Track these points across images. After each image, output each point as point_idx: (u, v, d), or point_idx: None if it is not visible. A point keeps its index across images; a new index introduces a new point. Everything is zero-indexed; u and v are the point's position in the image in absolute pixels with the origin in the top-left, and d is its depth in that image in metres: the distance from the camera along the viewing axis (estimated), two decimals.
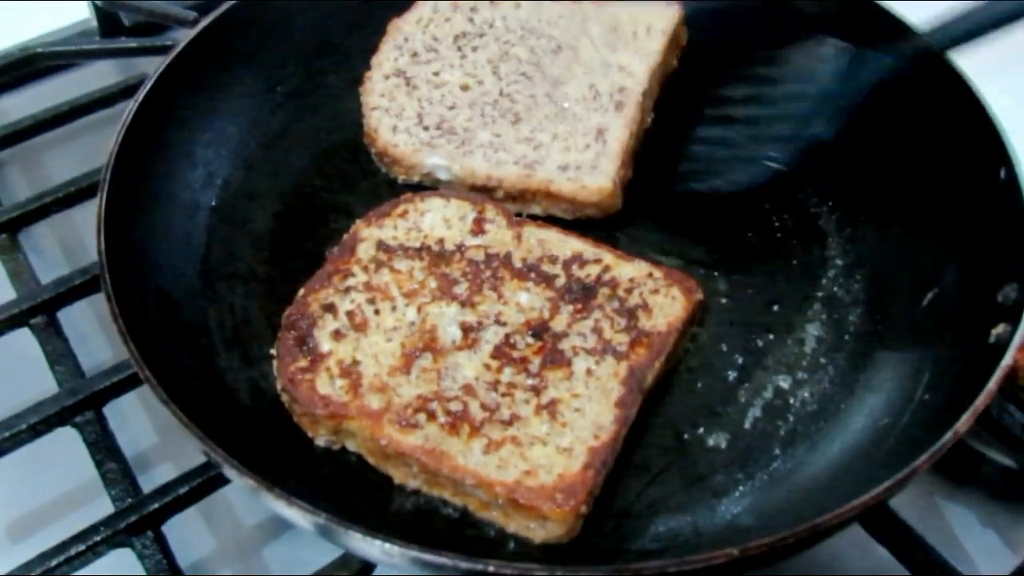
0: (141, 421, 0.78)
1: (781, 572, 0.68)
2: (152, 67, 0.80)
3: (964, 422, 0.57)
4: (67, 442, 0.73)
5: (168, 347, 0.68)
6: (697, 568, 0.50)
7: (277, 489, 0.54)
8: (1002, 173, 0.71)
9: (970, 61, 0.78)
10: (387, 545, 0.51)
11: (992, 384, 0.59)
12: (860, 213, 0.82)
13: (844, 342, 0.75)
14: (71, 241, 0.90)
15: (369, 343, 0.70)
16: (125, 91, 0.97)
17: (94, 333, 0.82)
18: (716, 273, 0.79)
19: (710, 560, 0.50)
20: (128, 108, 0.76)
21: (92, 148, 0.89)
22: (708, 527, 0.64)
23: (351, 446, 0.68)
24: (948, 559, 0.67)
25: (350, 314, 0.72)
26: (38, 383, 0.75)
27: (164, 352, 0.67)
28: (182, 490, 0.68)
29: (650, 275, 0.75)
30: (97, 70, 1.05)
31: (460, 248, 0.77)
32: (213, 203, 0.82)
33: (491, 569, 0.49)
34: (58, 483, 0.75)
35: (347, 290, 0.73)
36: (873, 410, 0.69)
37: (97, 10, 1.03)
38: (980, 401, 0.58)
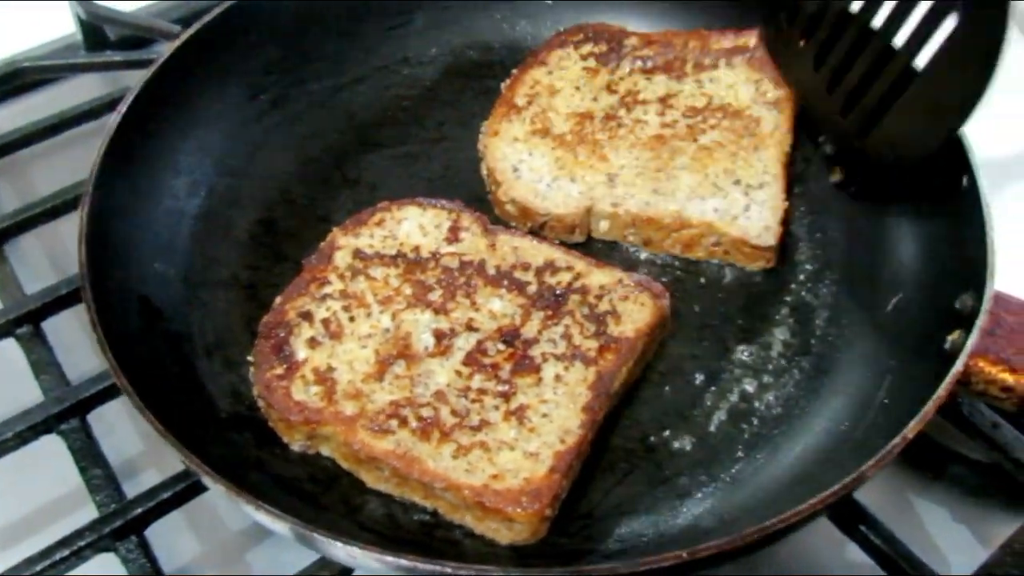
0: (127, 428, 0.80)
1: (757, 573, 0.70)
2: (137, 80, 0.82)
3: (912, 428, 0.58)
4: (53, 450, 0.75)
5: (149, 354, 0.70)
6: (647, 570, 0.52)
7: (247, 494, 0.56)
8: (964, 181, 0.72)
9: None
10: (349, 548, 0.54)
11: (942, 391, 0.60)
12: (830, 218, 0.83)
13: (810, 346, 0.76)
14: (57, 252, 0.92)
15: (344, 350, 0.72)
16: (110, 104, 0.99)
17: (80, 342, 0.83)
18: (687, 278, 0.81)
19: (659, 563, 0.52)
20: (111, 120, 0.78)
21: (78, 160, 0.91)
22: (670, 529, 0.66)
23: (325, 451, 0.70)
24: (917, 553, 0.68)
25: (326, 322, 0.74)
26: (24, 392, 0.77)
27: (145, 359, 0.69)
28: (165, 495, 0.70)
29: (620, 282, 0.76)
30: (83, 83, 1.07)
31: (435, 255, 0.78)
32: (197, 211, 0.84)
33: (448, 570, 0.51)
34: (44, 491, 0.77)
35: (323, 298, 0.75)
36: (835, 414, 0.71)
37: (82, 24, 1.05)
38: (929, 407, 0.59)
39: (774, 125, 0.84)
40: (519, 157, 0.84)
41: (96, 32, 1.06)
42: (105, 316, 0.67)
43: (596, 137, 0.85)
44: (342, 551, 0.55)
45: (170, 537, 0.74)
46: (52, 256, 0.93)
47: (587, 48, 0.92)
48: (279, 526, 0.56)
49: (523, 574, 0.53)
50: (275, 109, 0.92)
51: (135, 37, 1.05)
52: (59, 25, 1.08)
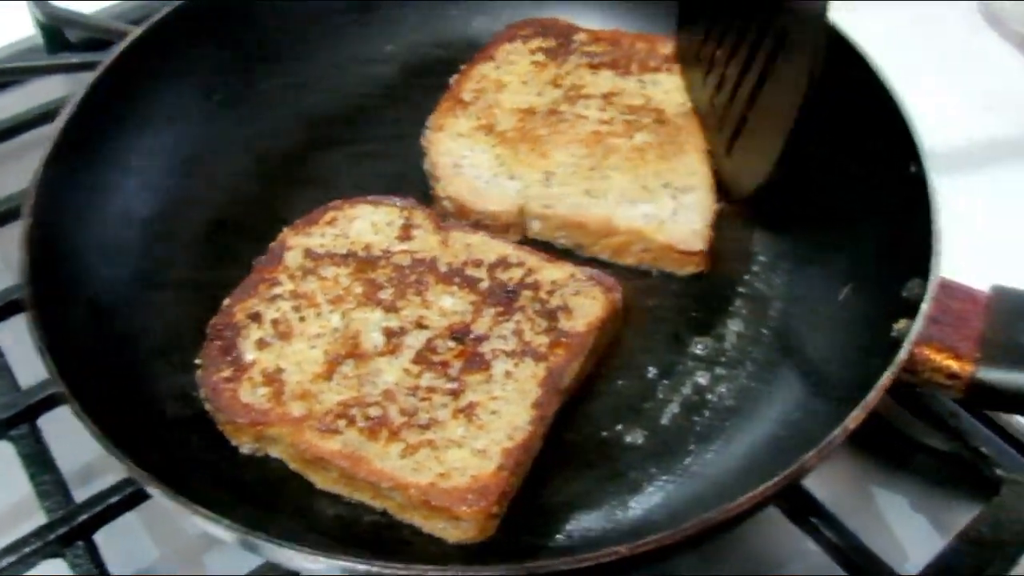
0: (82, 434, 0.79)
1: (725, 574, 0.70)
2: (84, 83, 0.81)
3: (853, 418, 0.58)
4: (4, 456, 0.74)
5: (96, 357, 0.70)
6: (588, 567, 0.52)
7: (183, 498, 0.56)
8: (912, 168, 0.72)
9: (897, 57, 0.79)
10: (286, 551, 0.53)
11: (884, 380, 0.60)
12: (784, 208, 0.83)
13: (763, 336, 0.76)
14: (12, 258, 0.91)
15: (293, 351, 0.72)
16: None
17: (32, 348, 0.82)
18: (641, 272, 0.81)
19: (598, 560, 0.52)
20: (56, 122, 0.77)
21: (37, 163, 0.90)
22: (620, 524, 0.65)
23: (274, 452, 0.69)
24: (876, 544, 0.68)
25: (275, 322, 0.73)
26: None
27: (91, 362, 0.68)
28: (112, 500, 0.69)
29: (572, 276, 0.76)
30: (44, 87, 1.06)
31: (387, 254, 0.78)
32: (148, 212, 0.83)
33: (374, 570, 0.51)
34: None
35: (273, 298, 0.75)
36: (787, 404, 0.71)
37: (42, 27, 1.04)
38: (871, 397, 0.59)
39: (693, 131, 0.84)
40: (462, 153, 0.84)
41: (56, 35, 1.05)
42: (47, 319, 0.66)
43: (538, 133, 0.84)
44: (282, 554, 0.54)
45: (127, 541, 0.73)
46: (8, 260, 0.92)
47: (536, 43, 0.91)
48: (216, 529, 0.56)
49: (460, 573, 0.53)
50: (229, 109, 0.91)
51: (98, 39, 1.04)
52: (20, 27, 1.07)
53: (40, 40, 1.06)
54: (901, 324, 0.65)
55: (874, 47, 0.78)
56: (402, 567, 0.52)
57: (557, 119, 0.85)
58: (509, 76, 0.89)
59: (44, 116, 0.99)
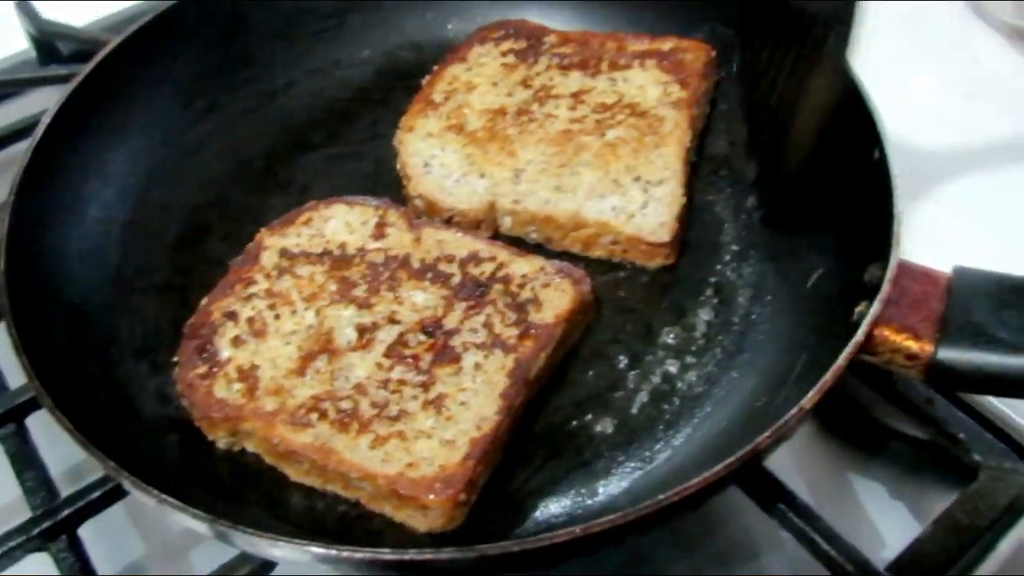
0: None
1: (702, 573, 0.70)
2: (62, 92, 0.83)
3: (810, 399, 0.59)
4: None
5: (74, 359, 0.72)
6: (541, 547, 0.53)
7: (151, 489, 0.57)
8: (875, 154, 0.73)
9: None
10: (240, 535, 0.54)
11: (841, 361, 0.61)
12: (754, 199, 0.84)
13: (732, 324, 0.77)
14: None
15: (268, 347, 0.73)
16: None
17: None
18: (614, 264, 0.82)
19: (552, 539, 0.53)
20: (35, 132, 0.79)
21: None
22: (587, 510, 0.66)
23: (250, 447, 0.71)
24: (849, 531, 0.67)
25: (250, 320, 0.75)
26: None
27: (69, 364, 0.70)
28: (94, 495, 0.71)
29: (542, 269, 0.77)
30: (37, 98, 1.08)
31: (361, 252, 0.79)
32: (127, 217, 0.85)
33: (341, 554, 0.52)
34: None
35: (249, 297, 0.76)
36: (752, 390, 0.72)
37: (34, 40, 1.07)
38: (827, 378, 0.60)
39: (675, 124, 0.85)
40: (431, 153, 0.85)
41: (49, 47, 1.07)
42: (25, 322, 0.68)
43: (507, 132, 0.86)
44: (251, 542, 0.56)
45: (114, 537, 0.75)
46: None
47: (507, 45, 0.93)
48: (186, 519, 0.57)
49: (417, 556, 0.54)
50: (209, 115, 0.93)
51: (88, 51, 1.06)
52: (13, 41, 1.09)
53: (33, 53, 1.08)
54: (861, 307, 0.66)
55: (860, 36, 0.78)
56: (364, 551, 0.53)
57: (527, 119, 0.87)
58: (479, 77, 0.91)
59: (31, 127, 1.01)
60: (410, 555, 0.54)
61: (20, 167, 0.77)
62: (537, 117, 0.87)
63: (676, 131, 0.85)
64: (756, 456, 0.57)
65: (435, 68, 0.93)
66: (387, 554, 0.53)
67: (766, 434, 0.57)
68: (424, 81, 0.92)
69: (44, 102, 1.07)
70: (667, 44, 0.92)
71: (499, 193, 0.82)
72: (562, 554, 0.55)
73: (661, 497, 0.54)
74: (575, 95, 0.88)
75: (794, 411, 0.58)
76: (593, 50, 0.92)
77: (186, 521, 0.58)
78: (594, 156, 0.83)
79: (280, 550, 0.55)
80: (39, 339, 0.68)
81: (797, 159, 0.74)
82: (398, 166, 0.86)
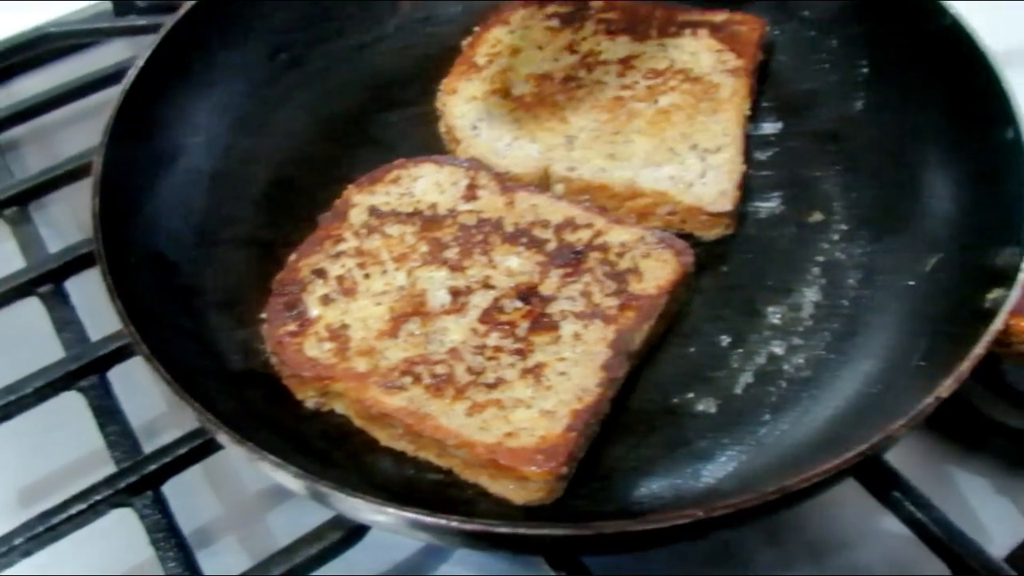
0: (150, 388, 0.79)
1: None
2: (150, 41, 0.81)
3: (946, 387, 0.55)
4: (74, 407, 0.74)
5: (162, 309, 0.70)
6: (660, 528, 0.50)
7: (251, 444, 0.55)
8: (1009, 133, 0.68)
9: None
10: (355, 500, 0.52)
11: (979, 349, 0.57)
12: (863, 176, 0.79)
13: (842, 307, 0.73)
14: (83, 214, 0.91)
15: (358, 307, 0.71)
16: None
17: (102, 303, 0.83)
18: (715, 238, 0.78)
19: (674, 520, 0.50)
20: (124, 80, 0.77)
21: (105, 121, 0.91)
22: (690, 491, 0.63)
23: (338, 408, 0.69)
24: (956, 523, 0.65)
25: (340, 279, 0.72)
26: (46, 351, 0.77)
27: (157, 314, 0.68)
28: (180, 451, 0.69)
29: (642, 239, 0.74)
30: (112, 50, 1.06)
31: (452, 213, 0.77)
32: (213, 169, 0.82)
33: (454, 524, 0.50)
34: (66, 448, 0.77)
35: (338, 255, 0.74)
36: (867, 376, 0.68)
37: None
38: (964, 366, 0.56)
39: (732, 91, 0.82)
40: (478, 116, 0.82)
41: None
42: (117, 270, 0.66)
43: (555, 99, 0.82)
44: (349, 504, 0.54)
45: (190, 497, 0.73)
46: (79, 218, 0.92)
47: (552, 8, 0.89)
48: (283, 477, 0.55)
49: (530, 530, 0.51)
50: (294, 68, 0.90)
51: (166, 3, 1.05)
52: None
53: (108, 6, 1.06)
54: (994, 293, 0.62)
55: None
56: (472, 521, 0.50)
57: (575, 85, 0.84)
58: (523, 41, 0.87)
59: (113, 77, 0.99)
60: (522, 529, 0.51)
61: (110, 115, 0.75)
62: (586, 83, 0.83)
63: (735, 98, 0.81)
64: (887, 444, 0.54)
65: (476, 30, 0.89)
66: (501, 526, 0.51)
67: (901, 421, 0.54)
68: (465, 43, 0.89)
69: (119, 53, 1.07)
70: (719, 16, 0.88)
71: (554, 158, 0.79)
72: (675, 536, 0.52)
73: (790, 482, 0.51)
74: (623, 60, 0.85)
75: (930, 399, 0.55)
76: (641, 17, 0.88)
77: (285, 480, 0.56)
78: (647, 123, 0.80)
79: (386, 516, 0.52)
80: (130, 287, 0.66)
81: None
82: (442, 128, 0.83)
